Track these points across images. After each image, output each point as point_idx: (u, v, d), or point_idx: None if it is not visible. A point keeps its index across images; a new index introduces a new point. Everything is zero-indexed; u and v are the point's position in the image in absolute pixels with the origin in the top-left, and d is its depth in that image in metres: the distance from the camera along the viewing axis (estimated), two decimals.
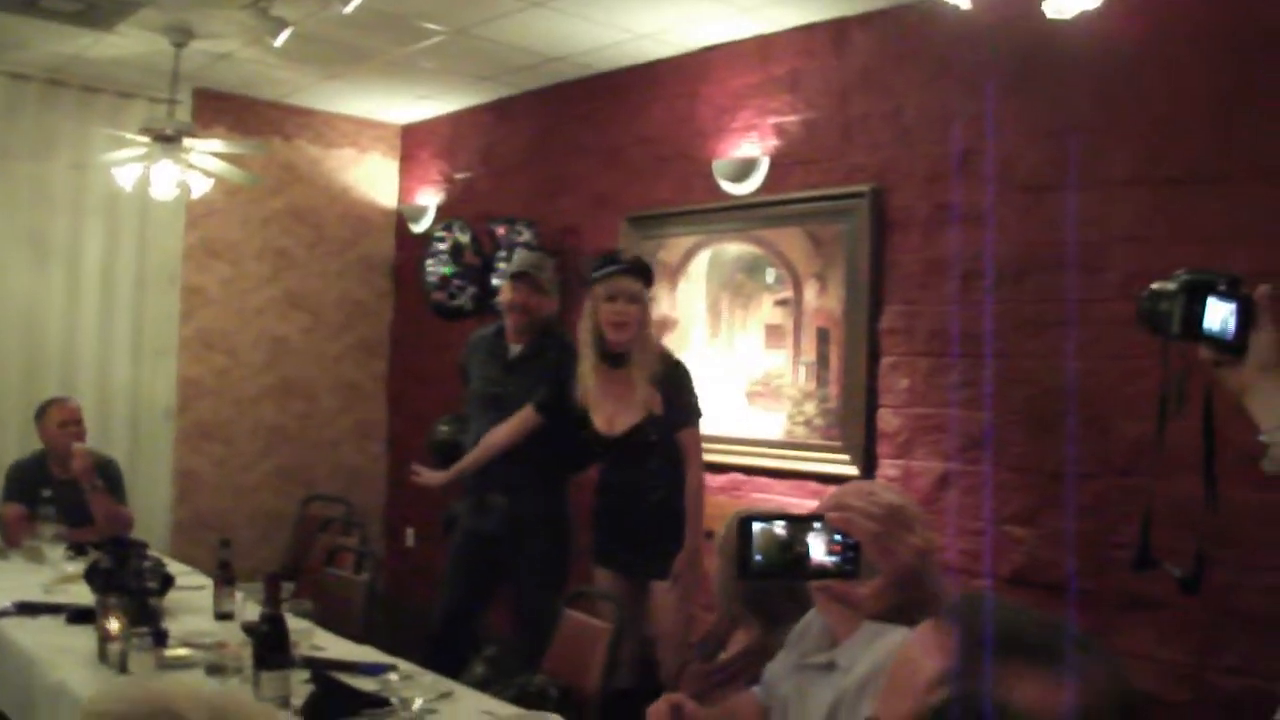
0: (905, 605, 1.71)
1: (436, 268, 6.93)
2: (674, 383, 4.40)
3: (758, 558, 1.57)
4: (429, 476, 4.82)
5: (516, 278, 4.74)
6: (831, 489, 4.91)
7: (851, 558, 1.58)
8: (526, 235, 6.69)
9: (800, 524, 1.60)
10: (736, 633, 2.97)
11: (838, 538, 1.59)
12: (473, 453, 4.77)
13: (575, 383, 4.48)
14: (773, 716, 2.33)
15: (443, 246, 6.94)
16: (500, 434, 4.68)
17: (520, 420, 4.65)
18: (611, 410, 4.40)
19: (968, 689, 1.09)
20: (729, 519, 2.88)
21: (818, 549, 1.59)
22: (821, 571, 1.59)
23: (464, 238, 6.95)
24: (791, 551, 1.58)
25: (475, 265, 6.87)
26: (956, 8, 3.65)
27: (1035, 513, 4.59)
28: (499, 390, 4.75)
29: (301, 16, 5.45)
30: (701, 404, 4.53)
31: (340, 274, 8.07)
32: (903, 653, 1.23)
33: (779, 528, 1.58)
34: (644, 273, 4.48)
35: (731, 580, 2.87)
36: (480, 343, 4.96)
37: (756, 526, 1.58)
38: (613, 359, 4.39)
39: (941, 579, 1.59)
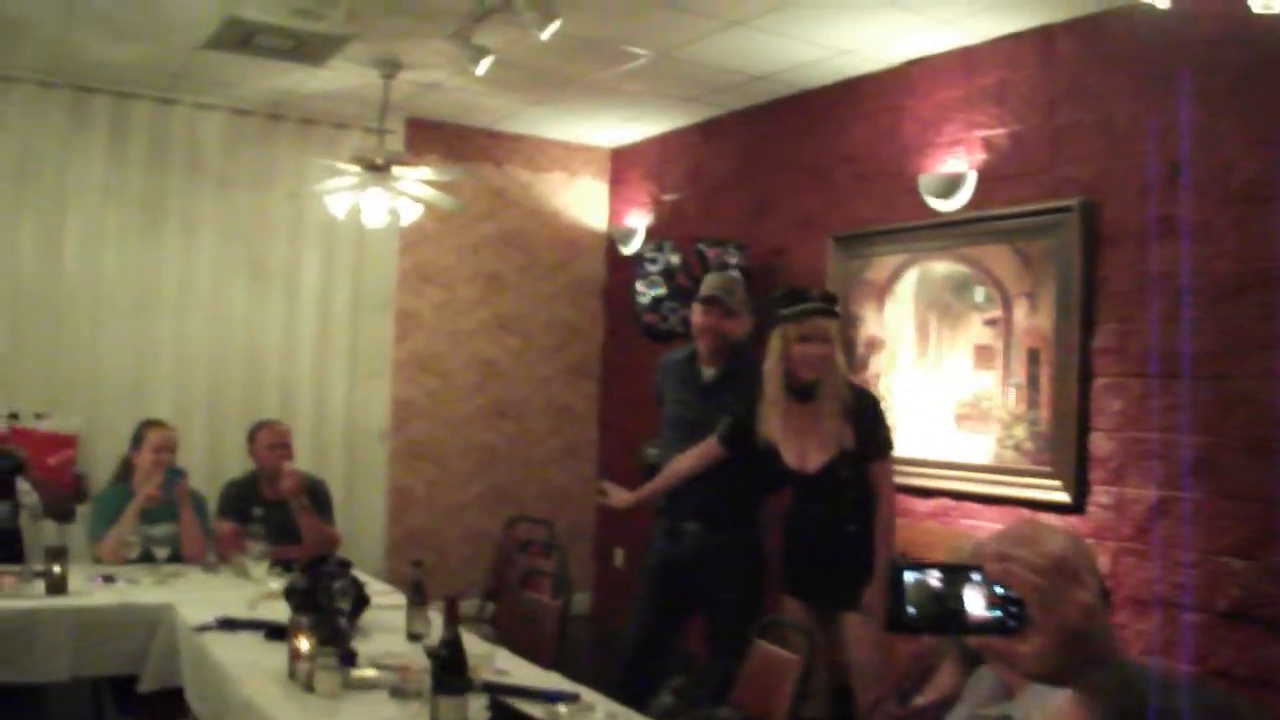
0: (1072, 666, 1.60)
1: (648, 289, 6.94)
2: (864, 414, 4.34)
3: (910, 610, 1.47)
4: (616, 497, 4.85)
5: (706, 302, 4.74)
6: (1042, 518, 4.76)
7: (1014, 613, 1.45)
8: (737, 257, 6.70)
9: (957, 574, 1.47)
10: (938, 673, 2.90)
11: (998, 590, 1.46)
12: (658, 477, 4.80)
13: (760, 414, 4.46)
14: None
15: (654, 268, 6.96)
16: (685, 461, 4.70)
17: (704, 449, 4.65)
18: (801, 445, 4.36)
19: None
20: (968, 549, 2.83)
21: (975, 603, 1.47)
22: (980, 627, 1.47)
23: (674, 259, 6.98)
24: (947, 605, 1.47)
25: (686, 287, 6.83)
26: (1154, 8, 3.52)
27: (1255, 544, 4.39)
28: (694, 414, 4.75)
29: (503, 44, 5.59)
30: (892, 435, 4.46)
31: (551, 297, 8.22)
32: None
33: (934, 578, 1.47)
34: (835, 309, 4.43)
35: None
36: (673, 366, 4.97)
37: (909, 576, 1.47)
38: (800, 393, 4.35)
39: (1114, 638, 1.48)
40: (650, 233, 7.87)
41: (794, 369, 4.33)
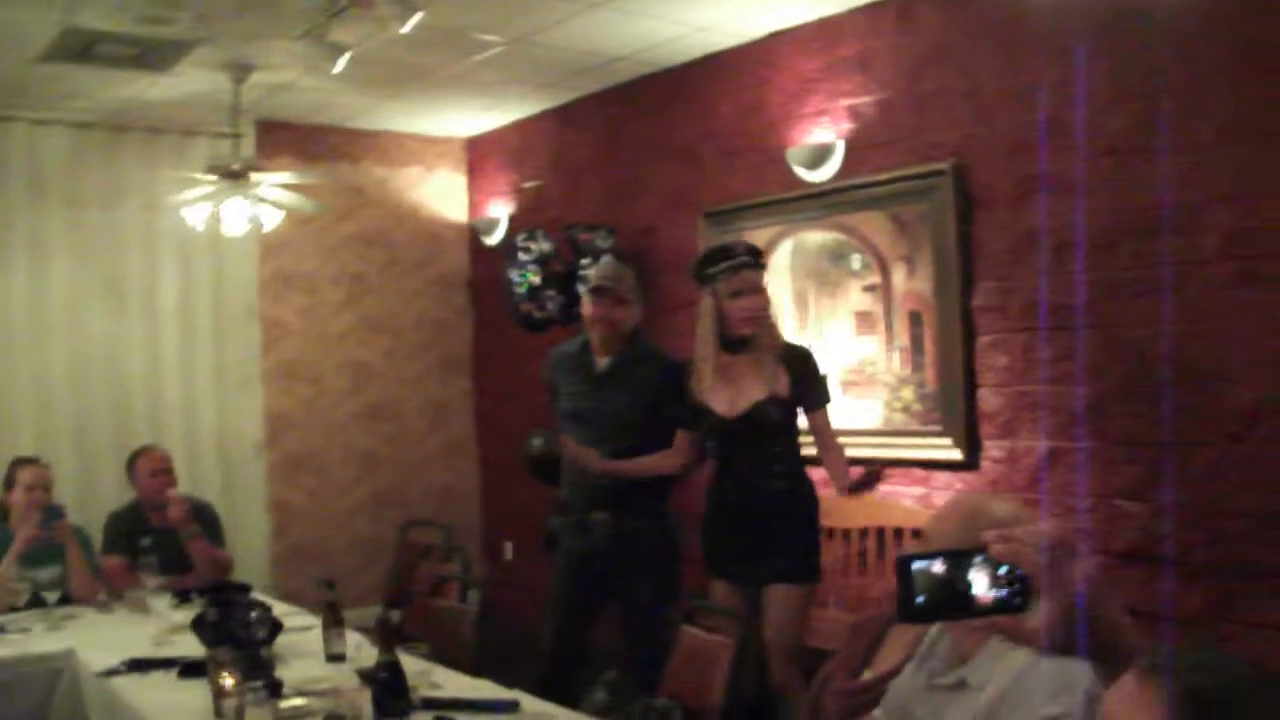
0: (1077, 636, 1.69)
1: (523, 279, 6.87)
2: (800, 365, 4.40)
3: (920, 599, 1.53)
4: (585, 456, 4.63)
5: (597, 292, 4.70)
6: (936, 476, 4.97)
7: (1019, 590, 1.52)
8: (610, 242, 6.68)
9: (961, 559, 1.54)
10: (886, 645, 2.90)
11: (1003, 571, 1.53)
12: (628, 464, 4.60)
13: (691, 385, 4.48)
14: None
15: (527, 257, 6.89)
16: (657, 463, 4.60)
17: (678, 449, 4.58)
18: (732, 394, 4.38)
19: None
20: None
21: (982, 584, 1.54)
22: (989, 608, 1.53)
23: (546, 247, 6.91)
24: (955, 589, 1.54)
25: (561, 274, 6.83)
26: None
27: (1145, 486, 4.51)
28: (590, 405, 4.71)
29: (359, 40, 5.43)
30: (828, 389, 4.54)
31: (417, 293, 8.13)
32: (1106, 708, 1.19)
33: (938, 566, 1.54)
34: (762, 260, 4.49)
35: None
36: (564, 359, 4.91)
37: (916, 566, 1.53)
38: (733, 345, 4.39)
39: (1117, 606, 1.54)
40: (514, 222, 7.79)
41: (730, 325, 4.36)
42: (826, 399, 4.46)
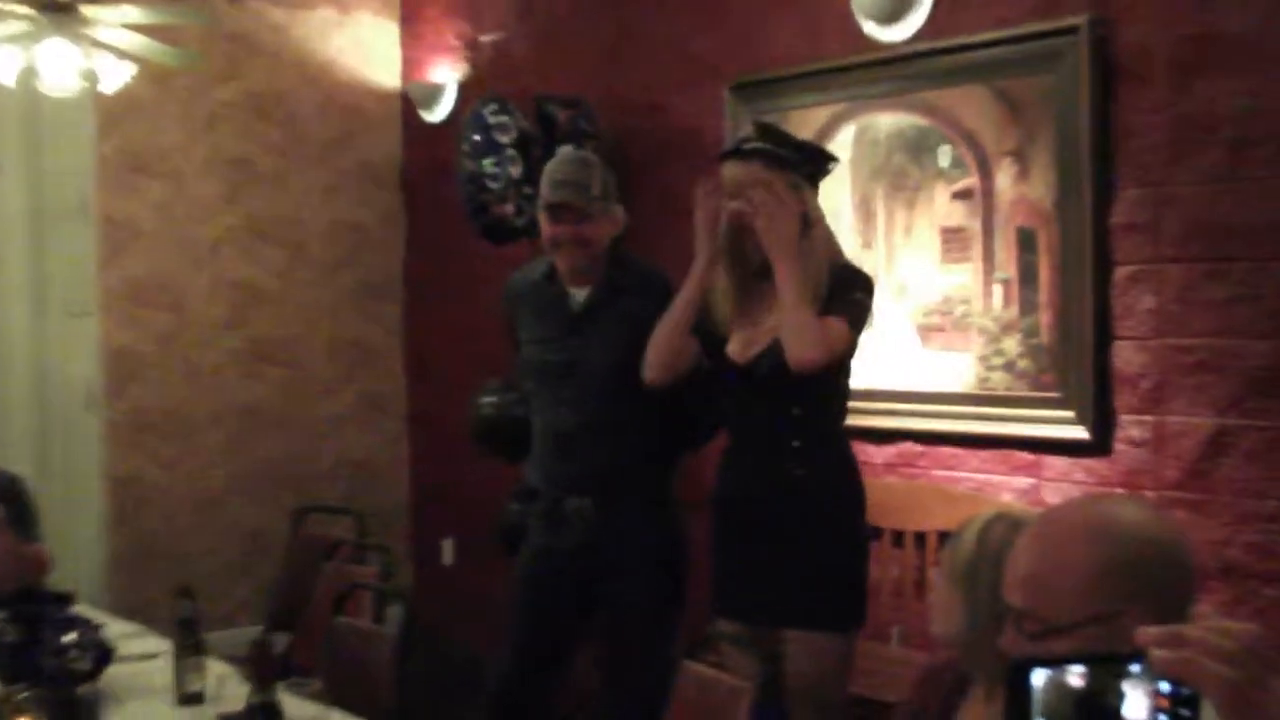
0: None
1: (500, 169, 6.72)
2: (837, 288, 4.27)
3: None
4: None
5: (553, 209, 4.69)
6: (1049, 463, 5.22)
7: (1188, 717, 1.45)
8: (595, 123, 6.67)
9: (1109, 669, 1.47)
10: (963, 711, 2.82)
11: (1167, 688, 1.45)
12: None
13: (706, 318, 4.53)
14: None
15: (506, 138, 6.73)
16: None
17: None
18: (750, 333, 4.35)
19: None
20: (969, 525, 2.75)
21: (1137, 706, 1.46)
22: None
23: (527, 124, 6.73)
24: (1097, 712, 1.46)
25: (543, 161, 6.65)
26: None
27: None
28: (565, 356, 4.72)
29: None
30: (865, 313, 4.32)
31: (327, 189, 8.12)
32: None
33: (1075, 677, 1.46)
34: (777, 149, 4.33)
35: (963, 618, 2.70)
36: (527, 290, 4.93)
37: (1040, 677, 1.46)
38: (757, 273, 4.34)
39: None
40: (465, 91, 7.70)
41: (735, 240, 4.36)
42: (845, 308, 4.24)
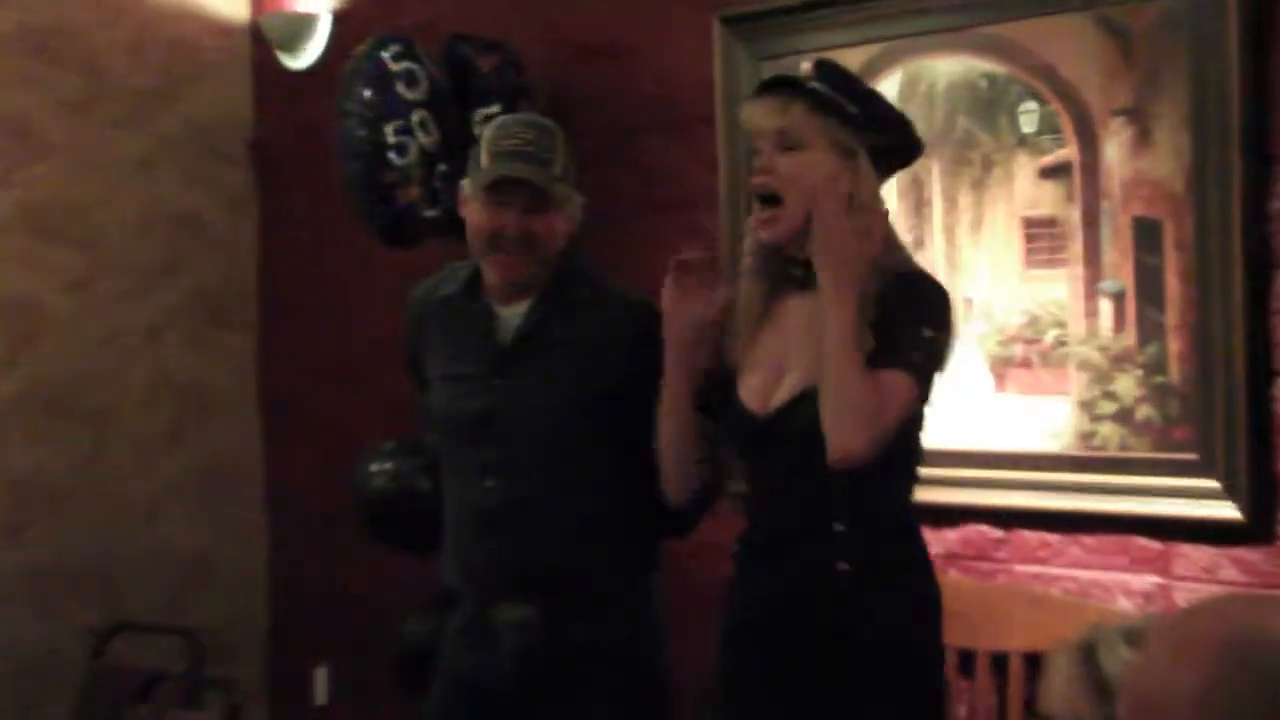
0: None
1: (407, 138, 6.39)
2: (894, 303, 4.06)
3: None
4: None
5: (497, 192, 4.51)
6: (1184, 554, 5.21)
7: None
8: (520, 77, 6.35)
9: None
10: None
11: None
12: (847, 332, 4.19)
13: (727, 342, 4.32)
14: None
15: (415, 94, 6.40)
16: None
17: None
18: (772, 371, 4.18)
19: None
20: (1069, 647, 2.67)
21: None
22: None
23: (439, 74, 6.52)
24: None
25: (459, 128, 6.46)
26: None
27: None
28: (492, 402, 4.59)
29: None
30: (944, 346, 4.17)
31: (144, 164, 7.62)
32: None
33: None
34: (833, 93, 4.13)
35: None
36: (437, 310, 4.80)
37: None
38: (796, 274, 4.17)
39: None
40: (342, 26, 7.40)
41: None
42: (909, 355, 4.05)
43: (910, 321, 4.08)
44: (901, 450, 4.14)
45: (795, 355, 4.15)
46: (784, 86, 4.17)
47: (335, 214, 6.80)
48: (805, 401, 4.05)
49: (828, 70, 4.25)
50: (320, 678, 7.73)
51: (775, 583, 4.20)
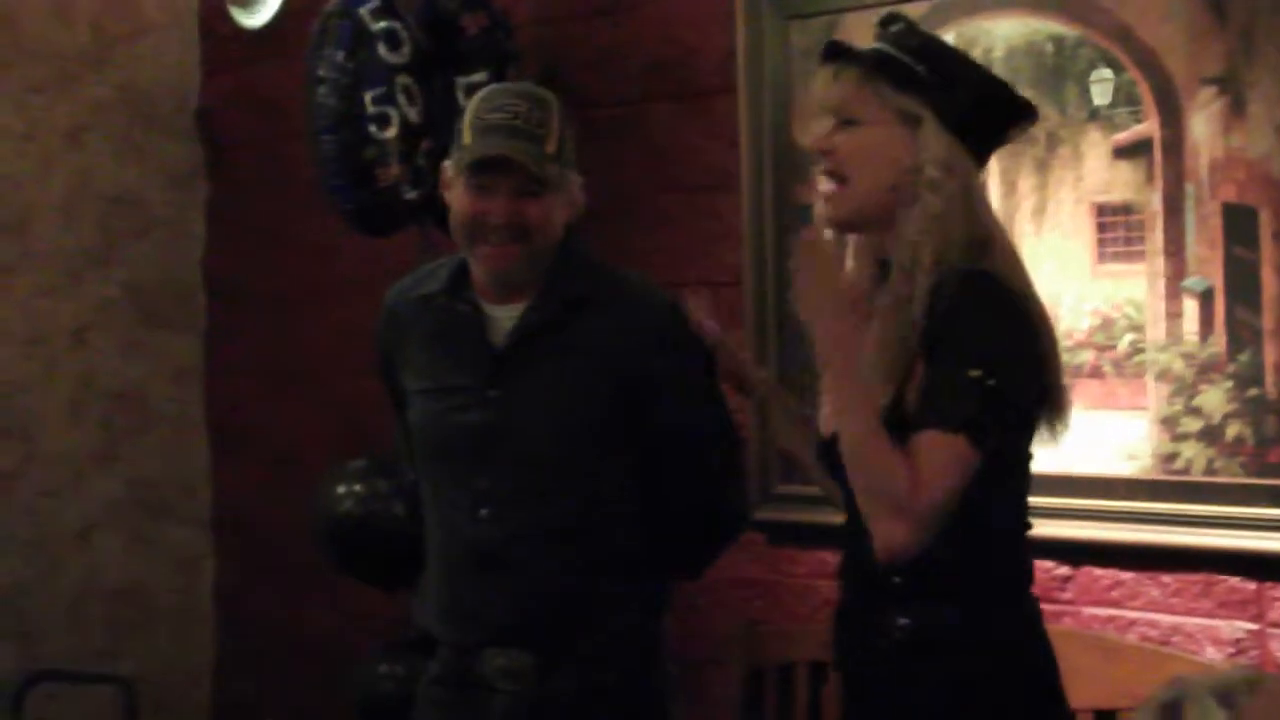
0: None
1: (389, 108, 6.38)
2: (946, 335, 3.88)
3: None
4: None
5: (482, 173, 4.45)
6: None
7: None
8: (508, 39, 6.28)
9: None
10: None
11: None
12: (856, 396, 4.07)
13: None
14: None
15: (397, 58, 6.35)
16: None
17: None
18: None
19: None
20: (1148, 705, 2.72)
21: None
22: None
23: (422, 36, 6.52)
24: None
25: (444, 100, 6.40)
26: None
27: None
28: (484, 418, 4.55)
29: None
30: (1012, 383, 3.89)
31: (70, 137, 7.64)
32: None
33: None
34: (890, 52, 4.09)
35: None
36: (419, 311, 4.76)
37: None
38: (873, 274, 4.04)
39: None
40: None
41: None
42: (950, 411, 3.83)
43: (954, 358, 3.93)
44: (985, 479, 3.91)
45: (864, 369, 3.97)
46: (837, 53, 4.12)
47: (294, 195, 6.85)
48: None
49: (891, 26, 4.21)
50: None
51: (840, 640, 4.24)
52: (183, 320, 8.05)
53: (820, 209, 4.22)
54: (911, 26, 4.21)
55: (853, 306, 4.09)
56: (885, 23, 4.19)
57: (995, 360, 3.92)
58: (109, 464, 7.80)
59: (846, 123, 4.07)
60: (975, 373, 3.91)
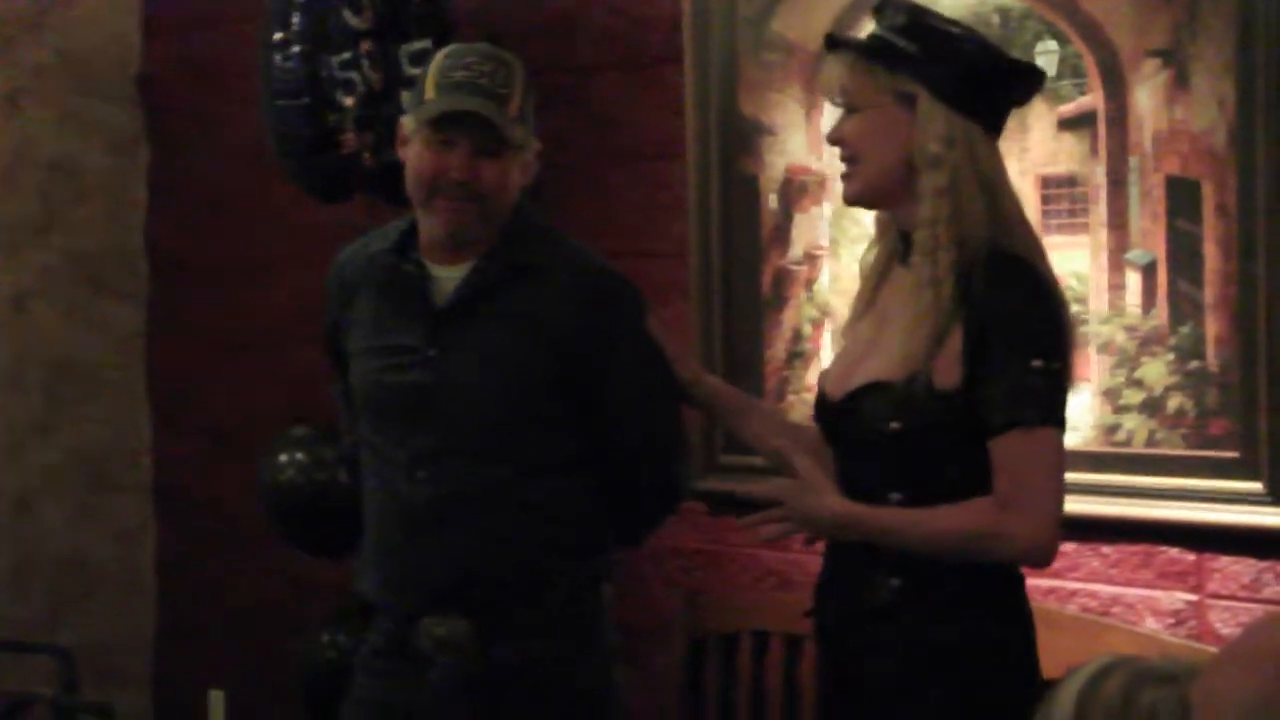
0: None
1: (354, 73, 6.40)
2: (985, 309, 4.02)
3: None
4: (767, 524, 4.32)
5: (444, 129, 4.48)
6: (1223, 567, 5.38)
7: None
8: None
9: None
10: None
11: None
12: (884, 520, 4.17)
13: None
14: None
15: (357, 20, 6.27)
16: (949, 521, 4.11)
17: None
18: (857, 351, 4.29)
19: None
20: (1070, 680, 2.50)
21: None
22: None
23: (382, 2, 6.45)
24: None
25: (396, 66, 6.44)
26: None
27: None
28: (425, 378, 4.55)
29: None
30: (1062, 380, 4.15)
31: (7, 102, 7.59)
32: None
33: None
34: (886, 37, 4.19)
35: None
36: (366, 272, 4.76)
37: None
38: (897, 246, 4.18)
39: None
40: None
41: None
42: (1022, 410, 4.02)
43: (1013, 355, 4.10)
44: (975, 462, 4.13)
45: (884, 340, 4.21)
46: (835, 44, 4.29)
47: (239, 162, 6.87)
48: (873, 393, 4.17)
49: (883, 9, 4.32)
50: (216, 702, 7.68)
51: (819, 609, 4.36)
52: (125, 288, 7.94)
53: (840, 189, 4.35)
54: (900, 6, 4.31)
55: (866, 289, 4.40)
56: (878, 7, 4.29)
57: (1049, 347, 4.12)
58: (50, 433, 7.74)
59: (851, 110, 4.20)
60: (1037, 363, 4.09)
